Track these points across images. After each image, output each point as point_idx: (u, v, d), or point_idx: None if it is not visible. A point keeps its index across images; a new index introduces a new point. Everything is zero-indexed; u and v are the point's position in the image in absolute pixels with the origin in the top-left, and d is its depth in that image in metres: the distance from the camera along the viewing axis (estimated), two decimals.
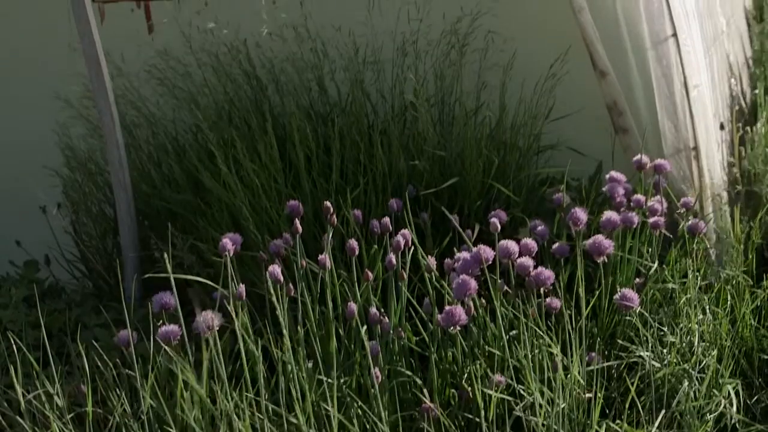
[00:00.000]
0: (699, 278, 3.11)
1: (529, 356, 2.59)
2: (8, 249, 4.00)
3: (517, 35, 3.77)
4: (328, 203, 2.82)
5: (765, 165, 4.38)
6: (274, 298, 2.55)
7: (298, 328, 2.66)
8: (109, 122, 3.54)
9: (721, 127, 4.39)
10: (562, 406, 2.52)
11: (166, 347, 2.42)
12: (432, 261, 2.84)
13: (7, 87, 4.41)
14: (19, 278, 3.82)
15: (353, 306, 2.65)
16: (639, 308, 2.82)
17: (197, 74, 3.91)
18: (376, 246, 3.03)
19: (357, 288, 2.79)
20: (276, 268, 2.60)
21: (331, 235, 2.81)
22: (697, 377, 2.80)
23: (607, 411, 2.84)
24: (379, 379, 2.50)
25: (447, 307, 2.55)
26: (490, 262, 2.65)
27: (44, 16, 4.26)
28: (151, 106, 3.98)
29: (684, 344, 2.91)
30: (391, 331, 2.73)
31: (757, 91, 5.80)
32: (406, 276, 2.78)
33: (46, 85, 4.12)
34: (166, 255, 2.45)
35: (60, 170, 4.07)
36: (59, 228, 4.08)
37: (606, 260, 2.86)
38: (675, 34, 3.65)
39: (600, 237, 2.81)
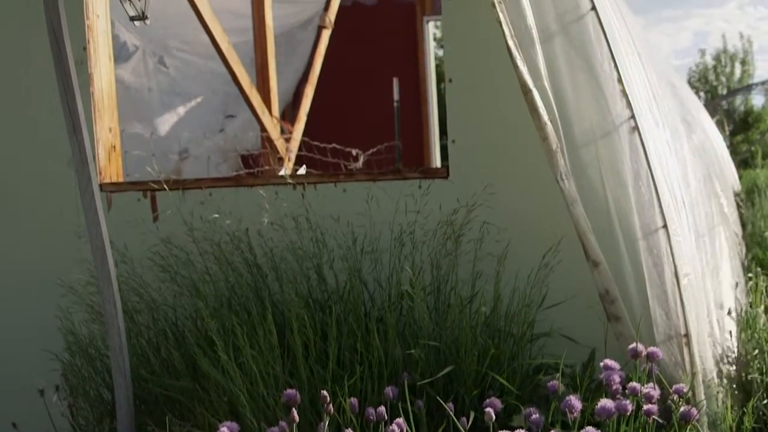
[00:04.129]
0: None
1: None
2: (4, 431, 4.00)
3: (511, 226, 3.90)
4: (324, 392, 2.87)
5: (756, 349, 4.43)
6: None
7: None
8: (112, 310, 3.61)
9: (712, 312, 4.44)
10: None
11: None
12: None
13: (11, 274, 4.50)
14: None
15: None
16: None
17: (199, 262, 4.00)
18: None
19: None
20: None
21: (327, 424, 2.84)
22: None
23: None
24: None
25: None
26: None
27: (51, 204, 4.38)
28: (152, 293, 4.05)
29: None
30: None
31: (748, 274, 5.88)
32: None
33: (51, 271, 4.21)
34: None
35: (60, 354, 4.11)
36: (56, 411, 4.08)
37: None
38: (665, 225, 3.73)
39: (591, 429, 2.83)
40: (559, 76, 3.69)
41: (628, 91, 3.72)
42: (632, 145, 3.73)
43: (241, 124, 8.76)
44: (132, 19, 3.19)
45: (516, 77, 3.54)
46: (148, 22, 3.17)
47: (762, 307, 4.88)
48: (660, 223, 3.72)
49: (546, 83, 3.66)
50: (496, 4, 3.49)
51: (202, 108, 8.85)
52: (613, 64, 3.71)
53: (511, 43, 3.52)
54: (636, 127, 3.72)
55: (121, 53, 7.69)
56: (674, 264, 3.73)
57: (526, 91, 3.55)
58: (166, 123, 8.32)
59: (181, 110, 8.55)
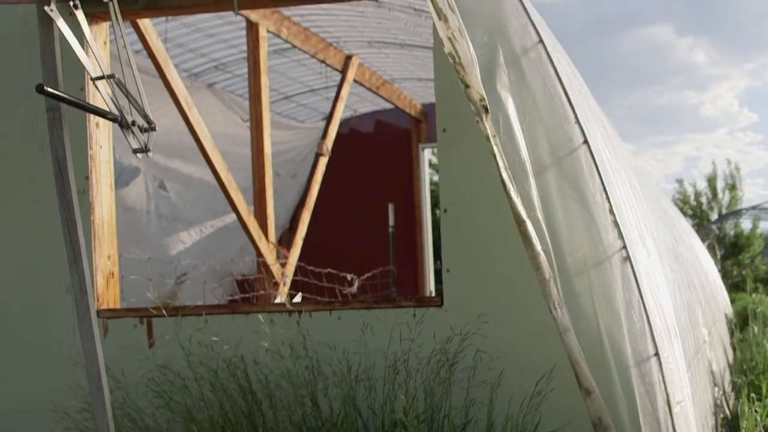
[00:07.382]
0: None
1: None
2: None
3: (504, 354, 3.92)
4: None
5: None
6: None
7: None
8: None
9: None
10: None
11: None
12: None
13: (6, 399, 4.49)
14: None
15: None
16: None
17: (194, 388, 4.01)
18: None
19: None
20: None
21: None
22: None
23: None
24: None
25: None
26: None
27: (48, 331, 4.41)
28: (146, 418, 4.05)
29: None
30: None
31: (740, 400, 5.87)
32: None
33: (45, 397, 4.21)
34: None
35: None
36: None
37: None
38: (657, 354, 3.75)
39: None
40: (552, 207, 3.76)
41: (619, 222, 3.78)
42: (624, 274, 3.77)
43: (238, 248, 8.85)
44: (135, 151, 3.27)
45: (510, 208, 3.61)
46: (150, 154, 3.25)
47: None
48: (652, 352, 3.74)
49: (539, 214, 3.72)
50: (491, 138, 3.57)
51: (201, 233, 8.95)
52: (605, 196, 3.77)
53: (505, 175, 3.59)
54: (628, 257, 3.77)
55: (121, 177, 7.81)
56: (666, 392, 3.75)
57: (520, 222, 3.61)
58: (164, 247, 8.40)
59: (182, 235, 8.64)
